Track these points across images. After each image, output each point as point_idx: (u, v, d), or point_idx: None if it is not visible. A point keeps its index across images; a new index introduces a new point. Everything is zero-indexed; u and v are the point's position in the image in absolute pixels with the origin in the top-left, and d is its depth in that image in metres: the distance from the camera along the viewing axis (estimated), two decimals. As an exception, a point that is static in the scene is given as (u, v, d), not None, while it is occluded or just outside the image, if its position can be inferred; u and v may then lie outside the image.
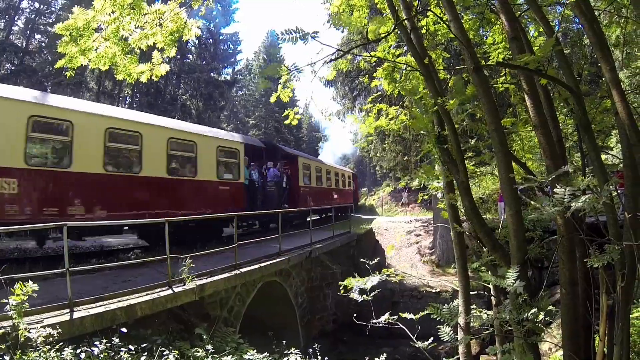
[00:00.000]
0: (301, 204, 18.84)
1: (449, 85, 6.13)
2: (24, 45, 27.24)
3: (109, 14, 4.89)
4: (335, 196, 25.93)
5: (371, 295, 4.84)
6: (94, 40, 5.01)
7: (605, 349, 3.65)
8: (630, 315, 4.06)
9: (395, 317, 4.77)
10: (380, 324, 4.80)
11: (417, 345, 4.54)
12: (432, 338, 4.61)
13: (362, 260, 5.37)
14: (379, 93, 7.35)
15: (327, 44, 4.65)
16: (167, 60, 5.66)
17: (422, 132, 5.35)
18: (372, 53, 6.73)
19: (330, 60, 4.92)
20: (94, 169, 9.66)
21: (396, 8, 5.17)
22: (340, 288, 5.20)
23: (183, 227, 11.65)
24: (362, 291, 4.91)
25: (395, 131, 6.69)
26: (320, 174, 23.13)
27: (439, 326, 4.43)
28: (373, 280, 4.91)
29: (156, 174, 11.16)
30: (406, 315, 4.73)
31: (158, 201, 11.22)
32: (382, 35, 5.60)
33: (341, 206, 25.24)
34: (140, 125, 10.85)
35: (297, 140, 52.55)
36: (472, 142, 6.05)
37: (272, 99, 5.75)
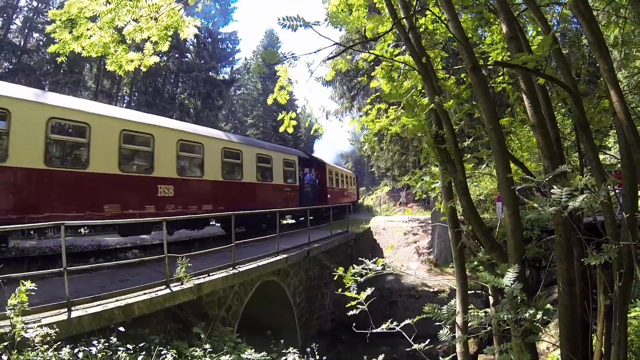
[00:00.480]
0: (328, 201, 23.84)
1: (448, 83, 6.14)
2: (22, 43, 27.16)
3: (105, 4, 4.89)
4: (346, 195, 30.90)
5: (367, 303, 4.82)
6: (89, 29, 5.00)
7: (602, 349, 3.66)
8: (628, 315, 4.07)
9: (394, 323, 4.75)
10: (380, 331, 4.79)
11: (414, 347, 4.54)
12: (428, 340, 4.62)
13: (360, 259, 5.36)
14: (377, 94, 7.36)
15: (325, 36, 4.63)
16: (163, 57, 5.66)
17: (419, 134, 5.35)
18: (371, 51, 6.71)
19: (329, 58, 4.92)
20: (216, 178, 13.77)
21: (394, 7, 5.17)
22: (338, 277, 5.19)
23: (261, 218, 15.62)
24: (359, 304, 4.89)
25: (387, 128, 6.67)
26: (337, 177, 28.24)
27: (437, 323, 4.44)
28: (369, 280, 4.91)
29: (250, 180, 15.77)
30: (405, 322, 4.70)
31: (250, 199, 15.64)
32: (381, 34, 5.59)
33: (349, 203, 30.42)
34: (241, 145, 15.61)
35: (295, 140, 52.50)
36: (470, 142, 6.04)
37: (269, 101, 5.74)
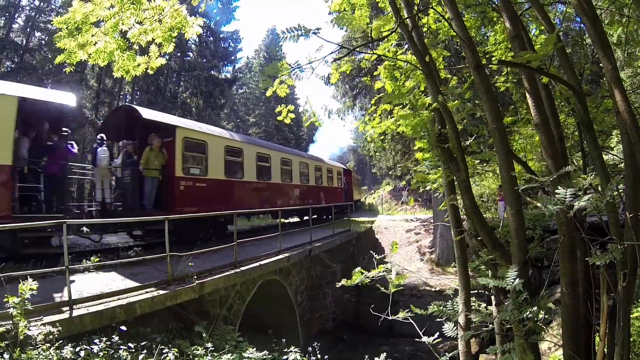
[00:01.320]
0: (352, 198, 31.67)
1: (450, 84, 6.12)
2: (24, 42, 27.12)
3: (109, 8, 4.86)
4: (357, 193, 38.73)
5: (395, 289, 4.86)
6: (93, 35, 4.97)
7: (605, 349, 3.64)
8: (631, 315, 4.06)
9: (408, 314, 4.77)
10: (390, 317, 4.81)
11: (423, 340, 4.56)
12: (437, 334, 4.64)
13: (372, 255, 5.37)
14: (381, 95, 7.33)
15: (329, 41, 4.62)
16: (165, 56, 5.65)
17: (422, 133, 5.34)
18: (374, 52, 6.69)
19: (334, 60, 4.90)
20: (312, 183, 22.19)
21: (398, 6, 5.15)
22: (341, 284, 5.19)
23: (320, 210, 23.28)
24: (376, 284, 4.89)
25: (394, 130, 6.68)
26: (354, 181, 36.79)
27: (438, 319, 4.47)
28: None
29: (326, 184, 24.25)
30: (418, 311, 4.73)
31: (326, 196, 23.80)
32: (385, 34, 5.58)
33: (358, 200, 39.29)
34: (321, 163, 24.31)
35: (297, 139, 52.46)
36: (472, 140, 6.01)
37: (268, 93, 5.74)
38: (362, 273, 4.94)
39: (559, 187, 2.90)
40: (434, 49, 6.50)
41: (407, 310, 4.80)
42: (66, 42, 4.92)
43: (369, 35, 5.64)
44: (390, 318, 4.78)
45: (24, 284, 4.81)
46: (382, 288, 4.90)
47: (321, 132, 60.07)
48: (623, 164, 3.75)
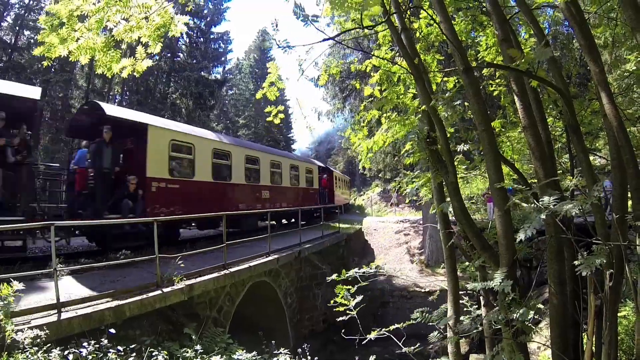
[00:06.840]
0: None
1: (447, 87, 6.17)
2: (13, 41, 26.81)
3: (94, 4, 4.78)
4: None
5: (356, 309, 4.82)
6: (76, 30, 4.86)
7: (593, 348, 3.69)
8: (618, 314, 4.11)
9: (384, 330, 4.77)
10: (369, 337, 4.80)
11: (404, 350, 4.58)
12: (418, 344, 4.66)
13: (362, 256, 5.38)
14: (371, 99, 7.34)
15: (321, 31, 4.61)
16: (154, 57, 5.55)
17: (411, 136, 5.36)
18: (367, 62, 6.74)
19: (330, 39, 4.87)
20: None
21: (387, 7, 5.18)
22: (331, 278, 5.19)
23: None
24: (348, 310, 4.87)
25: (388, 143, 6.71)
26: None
27: (430, 323, 4.48)
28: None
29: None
30: (394, 327, 4.72)
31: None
32: (380, 21, 5.56)
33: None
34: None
35: (287, 140, 52.46)
36: (469, 146, 6.04)
37: (258, 96, 5.72)
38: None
39: (546, 197, 2.93)
40: (427, 54, 6.53)
41: (396, 313, 4.80)
42: (49, 37, 4.83)
43: (359, 24, 5.57)
44: (364, 342, 4.77)
45: (8, 287, 4.75)
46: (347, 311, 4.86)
47: (313, 131, 60.34)
48: (610, 166, 3.81)
